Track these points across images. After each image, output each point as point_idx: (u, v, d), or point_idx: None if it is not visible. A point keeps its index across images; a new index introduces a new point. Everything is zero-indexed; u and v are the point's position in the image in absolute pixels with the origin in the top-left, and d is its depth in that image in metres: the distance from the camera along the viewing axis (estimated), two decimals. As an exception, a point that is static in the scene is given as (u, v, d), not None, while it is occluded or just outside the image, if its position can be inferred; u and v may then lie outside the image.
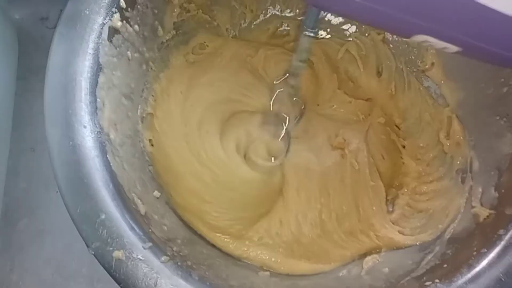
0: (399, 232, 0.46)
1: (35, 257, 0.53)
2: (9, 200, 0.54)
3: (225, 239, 0.44)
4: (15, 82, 0.58)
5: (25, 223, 0.54)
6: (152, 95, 0.46)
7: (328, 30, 0.55)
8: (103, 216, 0.34)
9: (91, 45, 0.38)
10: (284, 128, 0.48)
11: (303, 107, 0.50)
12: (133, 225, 0.35)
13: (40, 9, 0.62)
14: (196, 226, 0.44)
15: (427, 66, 0.51)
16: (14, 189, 0.55)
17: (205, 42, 0.50)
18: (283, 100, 0.48)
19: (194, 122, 0.46)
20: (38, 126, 0.57)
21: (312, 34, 0.36)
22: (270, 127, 0.48)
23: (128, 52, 0.42)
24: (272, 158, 0.47)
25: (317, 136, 0.49)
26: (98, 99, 0.37)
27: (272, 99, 0.49)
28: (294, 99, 0.48)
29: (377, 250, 0.46)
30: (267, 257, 0.45)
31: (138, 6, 0.42)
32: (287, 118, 0.48)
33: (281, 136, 0.48)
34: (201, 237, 0.43)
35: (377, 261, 0.44)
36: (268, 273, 0.44)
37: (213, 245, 0.44)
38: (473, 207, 0.41)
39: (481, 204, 0.41)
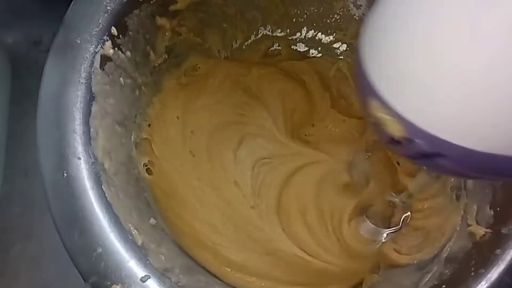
0: (395, 250, 0.46)
1: (30, 284, 0.52)
2: (3, 225, 0.54)
3: (228, 270, 0.44)
4: (8, 106, 0.58)
5: (19, 249, 0.53)
6: (146, 120, 0.46)
7: (319, 49, 0.55)
8: (100, 250, 0.34)
9: (83, 74, 0.38)
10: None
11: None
12: (131, 257, 0.34)
13: (33, 33, 0.61)
14: (196, 252, 0.43)
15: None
16: (7, 214, 0.54)
17: (197, 64, 0.50)
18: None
19: (203, 152, 0.46)
20: (31, 150, 0.56)
21: None
22: None
23: (121, 79, 0.42)
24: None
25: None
26: (91, 129, 0.37)
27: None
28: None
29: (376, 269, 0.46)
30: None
31: (130, 33, 0.42)
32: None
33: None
34: (198, 263, 0.43)
35: (376, 281, 0.44)
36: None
37: (211, 273, 0.43)
38: (469, 225, 0.41)
39: (477, 223, 0.41)
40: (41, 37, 0.61)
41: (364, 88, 0.28)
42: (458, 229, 0.43)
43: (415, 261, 0.44)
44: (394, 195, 0.47)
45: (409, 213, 0.47)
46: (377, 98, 0.26)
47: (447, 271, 0.40)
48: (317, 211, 0.47)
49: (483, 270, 0.36)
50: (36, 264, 0.52)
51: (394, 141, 0.27)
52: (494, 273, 0.36)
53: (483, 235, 0.39)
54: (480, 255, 0.38)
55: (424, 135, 0.25)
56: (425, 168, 0.38)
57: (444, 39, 0.23)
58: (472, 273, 0.37)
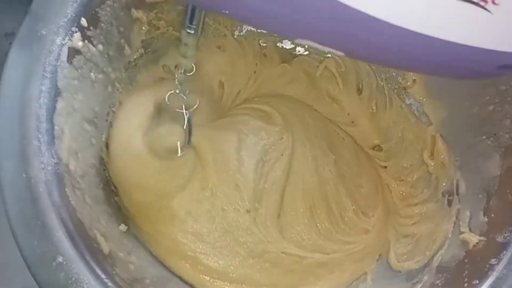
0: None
1: (-7, 294, 0.49)
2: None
3: (207, 278, 0.41)
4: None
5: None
6: (120, 119, 0.43)
7: (306, 46, 0.53)
8: (60, 259, 0.31)
9: (48, 67, 0.35)
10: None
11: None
12: (95, 267, 0.32)
13: (4, 25, 0.58)
14: (172, 261, 0.41)
15: (408, 83, 0.49)
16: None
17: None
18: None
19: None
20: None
21: (192, 32, 0.35)
22: None
23: (91, 74, 0.39)
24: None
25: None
26: (56, 127, 0.34)
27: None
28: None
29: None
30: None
31: (102, 25, 0.39)
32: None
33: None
34: (173, 273, 0.40)
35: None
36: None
37: (187, 283, 0.41)
38: (461, 232, 0.39)
39: (470, 230, 0.39)
40: (13, 29, 0.58)
41: None
42: (450, 236, 0.40)
43: (405, 270, 0.41)
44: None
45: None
46: None
47: (438, 281, 0.37)
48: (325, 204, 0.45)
49: (477, 281, 0.34)
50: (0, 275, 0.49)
51: None
52: (488, 285, 0.34)
53: (477, 243, 0.37)
54: (474, 265, 0.36)
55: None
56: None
57: None
58: (466, 284, 0.35)
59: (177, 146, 0.42)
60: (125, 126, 0.42)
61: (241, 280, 0.42)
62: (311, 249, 0.43)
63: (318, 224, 0.44)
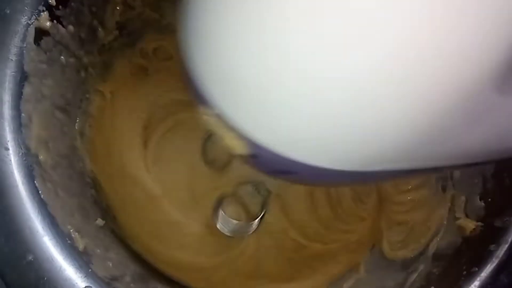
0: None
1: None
2: None
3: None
4: None
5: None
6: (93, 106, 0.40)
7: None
8: (30, 257, 0.29)
9: (13, 50, 0.32)
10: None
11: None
12: (69, 265, 0.29)
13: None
14: (152, 258, 0.38)
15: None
16: None
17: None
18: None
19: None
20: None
21: None
22: None
23: (62, 57, 0.36)
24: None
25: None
26: (22, 114, 0.32)
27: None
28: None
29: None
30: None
31: (72, 4, 0.36)
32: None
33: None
34: (155, 270, 0.38)
35: (357, 282, 0.40)
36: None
37: (170, 280, 0.38)
38: (457, 218, 0.38)
39: (466, 215, 0.37)
40: None
41: (194, 93, 0.22)
42: (445, 223, 0.39)
43: (399, 259, 0.40)
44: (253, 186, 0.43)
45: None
46: (209, 107, 0.21)
47: (435, 270, 0.36)
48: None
49: (476, 269, 0.33)
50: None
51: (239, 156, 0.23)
52: (488, 271, 0.32)
53: (474, 229, 0.36)
54: (472, 252, 0.34)
55: (268, 153, 0.21)
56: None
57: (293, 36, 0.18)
58: (464, 272, 0.33)
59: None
60: None
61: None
62: (313, 238, 0.42)
63: (319, 210, 0.43)
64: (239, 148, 0.22)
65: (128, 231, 0.39)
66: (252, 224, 0.41)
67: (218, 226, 0.41)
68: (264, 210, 0.42)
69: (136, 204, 0.40)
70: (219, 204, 0.42)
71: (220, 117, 0.21)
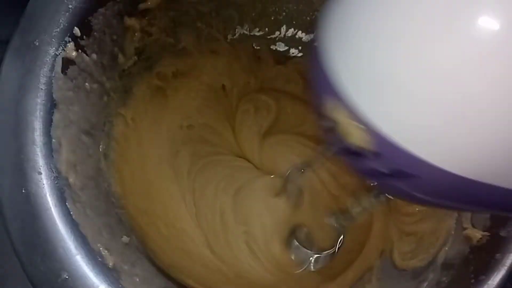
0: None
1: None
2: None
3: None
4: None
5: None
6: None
7: (300, 47, 0.53)
8: (65, 276, 0.30)
9: (43, 79, 0.34)
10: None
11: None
12: (101, 281, 0.31)
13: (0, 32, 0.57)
14: (175, 273, 0.40)
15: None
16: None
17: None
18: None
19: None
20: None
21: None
22: None
23: (86, 84, 0.38)
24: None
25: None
26: (53, 140, 0.34)
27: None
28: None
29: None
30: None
31: (95, 33, 0.38)
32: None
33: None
34: (179, 283, 0.40)
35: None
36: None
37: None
38: (464, 228, 0.39)
39: (473, 225, 0.39)
40: (8, 36, 0.56)
41: (322, 85, 0.23)
42: (453, 233, 0.40)
43: (410, 268, 0.41)
44: (331, 217, 0.44)
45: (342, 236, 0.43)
46: (339, 98, 0.22)
47: (444, 278, 0.37)
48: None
49: (484, 277, 0.34)
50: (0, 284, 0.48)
51: (352, 153, 0.23)
52: (496, 279, 0.34)
53: (480, 238, 0.37)
54: (479, 260, 0.36)
55: (396, 151, 0.20)
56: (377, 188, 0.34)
57: (436, 35, 0.19)
58: (472, 280, 0.35)
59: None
60: None
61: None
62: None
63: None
64: (365, 143, 0.21)
65: (153, 247, 0.40)
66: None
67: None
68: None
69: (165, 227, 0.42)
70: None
71: (348, 106, 0.21)
